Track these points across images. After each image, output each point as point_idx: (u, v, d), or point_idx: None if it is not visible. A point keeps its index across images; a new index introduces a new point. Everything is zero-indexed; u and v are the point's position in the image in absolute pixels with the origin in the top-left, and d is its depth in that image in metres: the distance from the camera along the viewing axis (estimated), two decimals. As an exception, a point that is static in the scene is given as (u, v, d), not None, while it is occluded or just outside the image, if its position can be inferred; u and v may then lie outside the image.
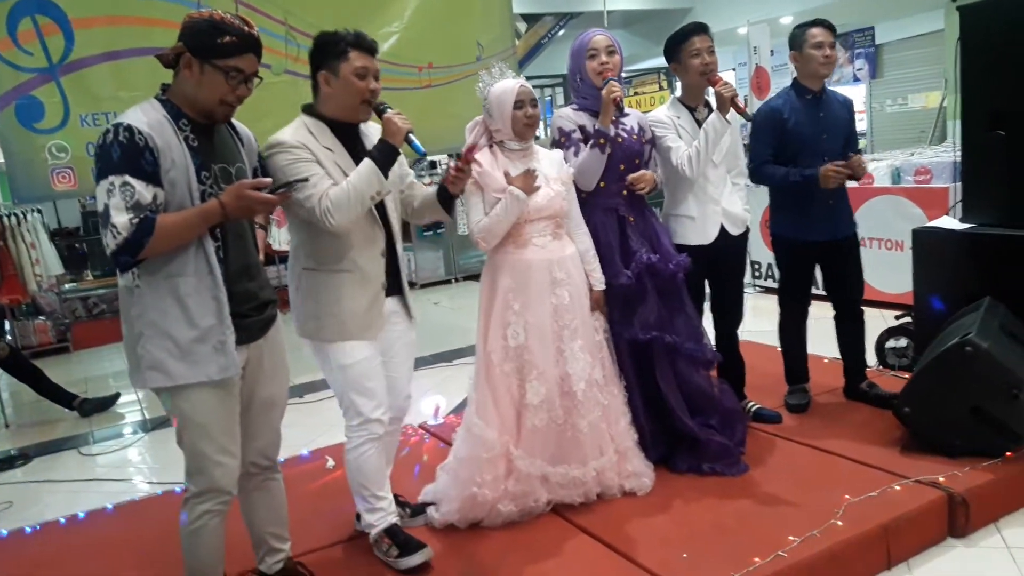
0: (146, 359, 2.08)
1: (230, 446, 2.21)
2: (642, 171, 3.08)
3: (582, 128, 3.02)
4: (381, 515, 2.64)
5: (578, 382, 2.81)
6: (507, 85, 2.79)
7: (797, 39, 3.47)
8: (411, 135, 2.42)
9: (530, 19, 12.31)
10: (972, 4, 3.70)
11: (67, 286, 8.22)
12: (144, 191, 1.98)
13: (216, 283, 2.10)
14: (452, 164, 2.57)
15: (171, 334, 2.07)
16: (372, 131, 2.58)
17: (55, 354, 7.28)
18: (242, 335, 2.17)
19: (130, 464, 4.32)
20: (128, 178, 1.96)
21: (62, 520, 3.30)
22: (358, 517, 2.87)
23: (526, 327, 2.78)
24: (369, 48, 2.42)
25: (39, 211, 7.33)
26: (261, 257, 2.45)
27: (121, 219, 1.95)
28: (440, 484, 2.95)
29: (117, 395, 5.29)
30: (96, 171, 2.02)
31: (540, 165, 2.85)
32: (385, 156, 2.38)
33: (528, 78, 9.54)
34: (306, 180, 2.29)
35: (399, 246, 2.65)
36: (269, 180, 2.17)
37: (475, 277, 2.71)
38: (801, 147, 3.41)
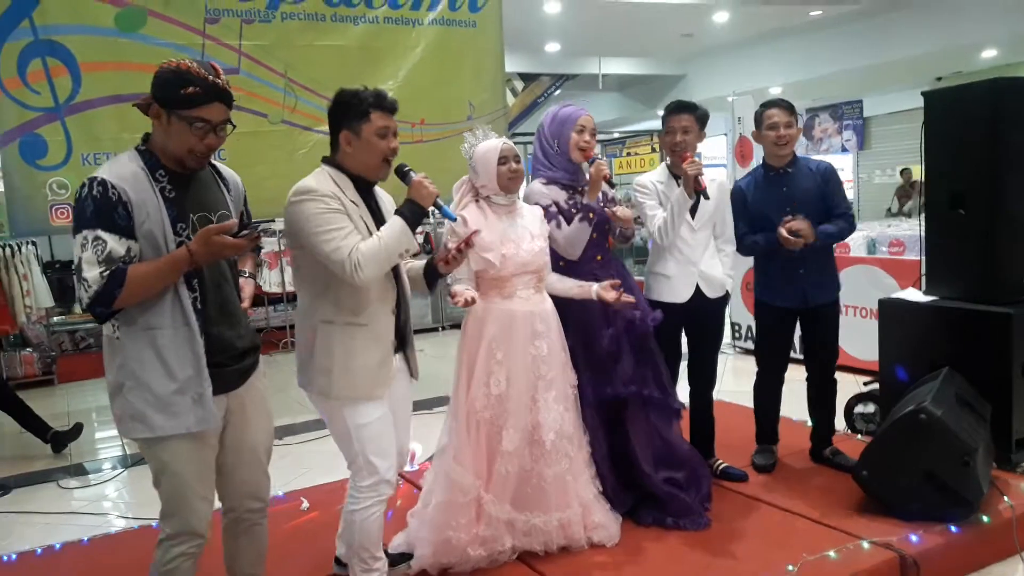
0: (127, 409, 2.12)
1: (206, 492, 2.25)
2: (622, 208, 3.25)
3: (556, 203, 3.15)
4: (375, 575, 2.64)
5: (548, 432, 2.90)
6: (491, 144, 2.94)
7: (757, 119, 3.66)
8: (439, 200, 2.48)
9: (527, 78, 12.67)
10: (936, 90, 3.93)
11: (55, 319, 8.28)
12: (117, 245, 2.00)
13: (193, 334, 2.12)
14: (452, 245, 2.63)
15: (150, 386, 2.09)
16: (381, 193, 2.64)
17: (40, 386, 7.30)
18: (219, 385, 2.19)
19: (108, 499, 4.35)
20: (100, 232, 1.98)
21: (38, 551, 3.34)
22: (337, 562, 2.93)
23: (508, 377, 2.87)
24: (390, 107, 2.45)
25: (34, 244, 7.45)
26: (246, 305, 2.41)
27: (92, 273, 1.97)
28: (412, 529, 3.01)
29: (79, 425, 5.28)
30: (72, 225, 2.05)
31: (524, 220, 2.99)
32: (415, 216, 2.42)
33: (523, 135, 9.64)
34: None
35: (407, 304, 2.68)
36: (235, 223, 2.15)
37: (460, 326, 2.82)
38: (765, 221, 3.55)
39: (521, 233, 2.93)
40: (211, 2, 4.86)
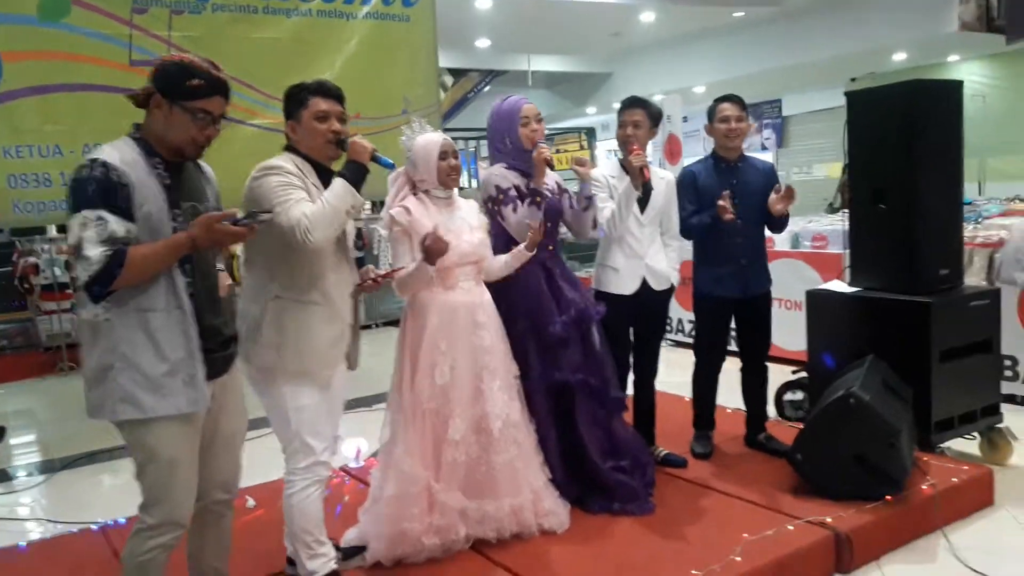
0: (116, 391, 2.11)
1: (192, 481, 2.25)
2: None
3: (517, 187, 3.22)
4: (323, 561, 2.65)
5: (495, 420, 2.94)
6: (431, 138, 2.97)
7: (710, 113, 3.81)
8: (376, 153, 2.53)
9: (457, 74, 12.67)
10: (858, 91, 4.12)
11: (-36, 321, 7.91)
12: (117, 226, 2.04)
13: (186, 318, 2.16)
14: (373, 275, 2.72)
15: (141, 367, 2.11)
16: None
17: (-50, 390, 6.96)
18: (208, 371, 2.22)
19: (37, 504, 4.19)
20: (103, 212, 2.03)
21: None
22: (289, 562, 2.90)
23: (452, 367, 2.90)
24: (330, 93, 2.55)
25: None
26: (223, 294, 2.48)
27: (94, 252, 2.01)
28: (365, 525, 3.00)
29: (2, 428, 5.09)
30: (70, 204, 2.08)
31: (462, 212, 3.03)
32: (354, 174, 2.48)
33: (453, 130, 9.73)
34: (270, 212, 2.34)
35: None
36: (235, 211, 2.21)
37: (395, 323, 2.83)
38: (710, 207, 3.67)
39: (460, 225, 2.98)
40: (139, -9, 4.71)
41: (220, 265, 2.53)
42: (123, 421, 2.15)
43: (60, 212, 4.63)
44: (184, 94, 2.14)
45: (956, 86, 4.00)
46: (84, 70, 4.55)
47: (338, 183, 2.47)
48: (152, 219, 2.12)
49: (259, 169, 2.47)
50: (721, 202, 3.53)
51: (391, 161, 2.63)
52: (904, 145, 3.81)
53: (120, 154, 2.11)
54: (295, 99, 2.55)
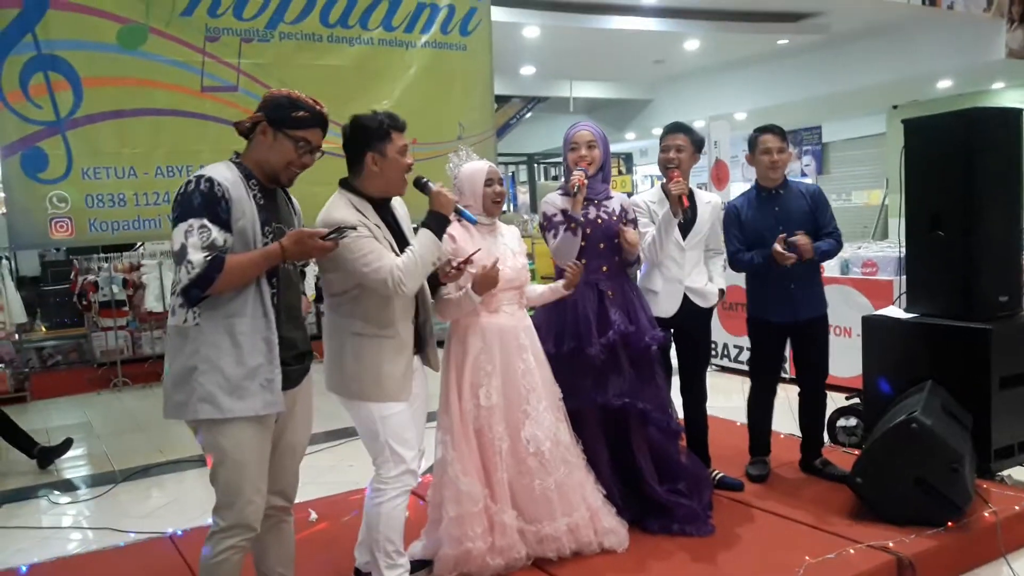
0: (199, 392, 2.25)
1: (261, 484, 2.36)
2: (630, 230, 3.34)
3: (563, 212, 3.29)
4: (400, 572, 2.74)
5: (544, 441, 3.01)
6: (478, 166, 3.07)
7: (752, 143, 3.87)
8: (458, 206, 2.67)
9: (500, 100, 12.84)
10: (916, 119, 4.15)
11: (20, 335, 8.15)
12: (218, 235, 2.22)
13: (269, 326, 2.32)
14: (455, 263, 2.83)
15: (223, 369, 2.25)
16: (396, 203, 2.80)
17: (12, 403, 7.15)
18: (282, 381, 2.35)
19: (105, 513, 4.31)
20: (206, 222, 2.21)
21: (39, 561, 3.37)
22: (356, 572, 2.99)
23: (497, 388, 2.98)
24: (403, 127, 2.68)
25: (7, 258, 7.34)
26: (305, 311, 2.63)
27: (197, 256, 2.18)
28: (430, 544, 3.06)
29: (68, 440, 5.26)
30: (176, 214, 2.25)
31: (504, 238, 3.13)
32: (440, 226, 2.64)
33: (497, 155, 9.85)
34: (355, 228, 2.47)
35: (427, 306, 2.85)
36: (324, 230, 2.39)
37: (439, 344, 2.92)
38: (757, 239, 3.75)
39: (504, 251, 3.07)
40: (211, 21, 4.91)
41: (303, 288, 2.67)
42: (201, 421, 2.28)
43: (132, 232, 4.84)
44: (290, 123, 2.33)
45: (1016, 114, 4.02)
46: (159, 96, 4.77)
47: (426, 237, 2.61)
48: (246, 233, 2.29)
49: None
50: (778, 246, 3.58)
51: (475, 217, 2.78)
52: (962, 172, 3.83)
53: (223, 172, 2.31)
54: (377, 133, 2.60)
